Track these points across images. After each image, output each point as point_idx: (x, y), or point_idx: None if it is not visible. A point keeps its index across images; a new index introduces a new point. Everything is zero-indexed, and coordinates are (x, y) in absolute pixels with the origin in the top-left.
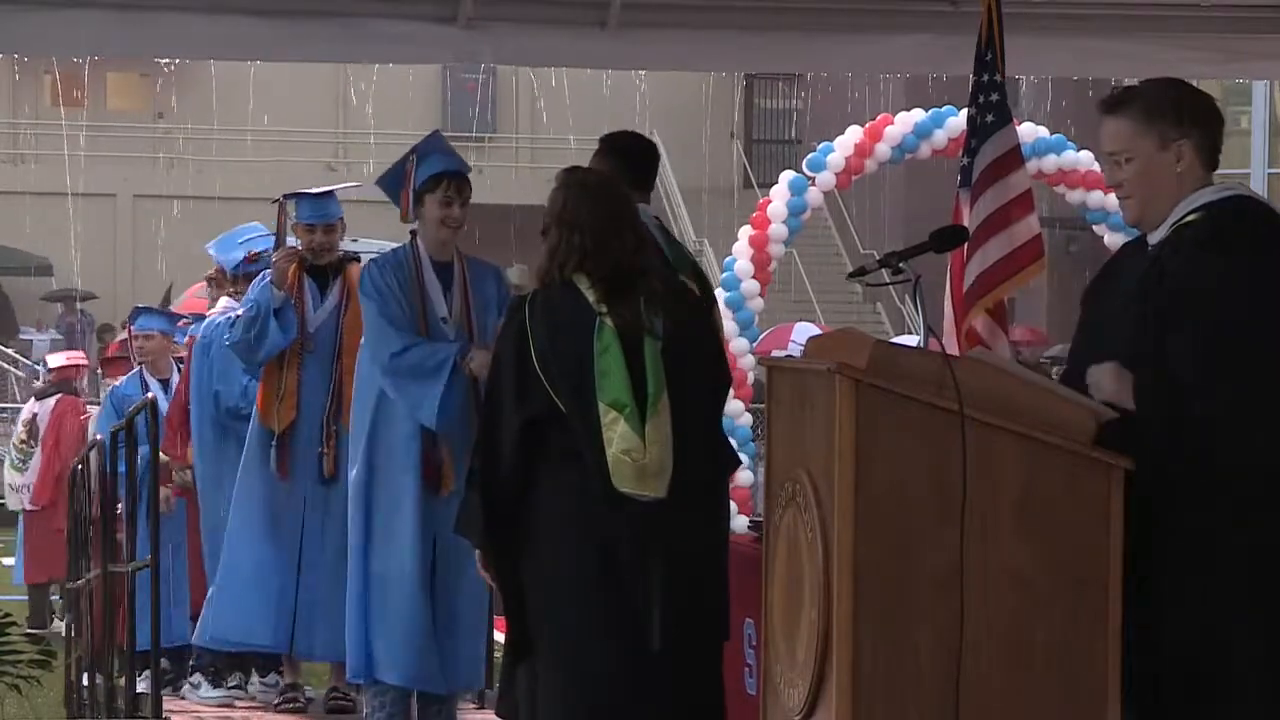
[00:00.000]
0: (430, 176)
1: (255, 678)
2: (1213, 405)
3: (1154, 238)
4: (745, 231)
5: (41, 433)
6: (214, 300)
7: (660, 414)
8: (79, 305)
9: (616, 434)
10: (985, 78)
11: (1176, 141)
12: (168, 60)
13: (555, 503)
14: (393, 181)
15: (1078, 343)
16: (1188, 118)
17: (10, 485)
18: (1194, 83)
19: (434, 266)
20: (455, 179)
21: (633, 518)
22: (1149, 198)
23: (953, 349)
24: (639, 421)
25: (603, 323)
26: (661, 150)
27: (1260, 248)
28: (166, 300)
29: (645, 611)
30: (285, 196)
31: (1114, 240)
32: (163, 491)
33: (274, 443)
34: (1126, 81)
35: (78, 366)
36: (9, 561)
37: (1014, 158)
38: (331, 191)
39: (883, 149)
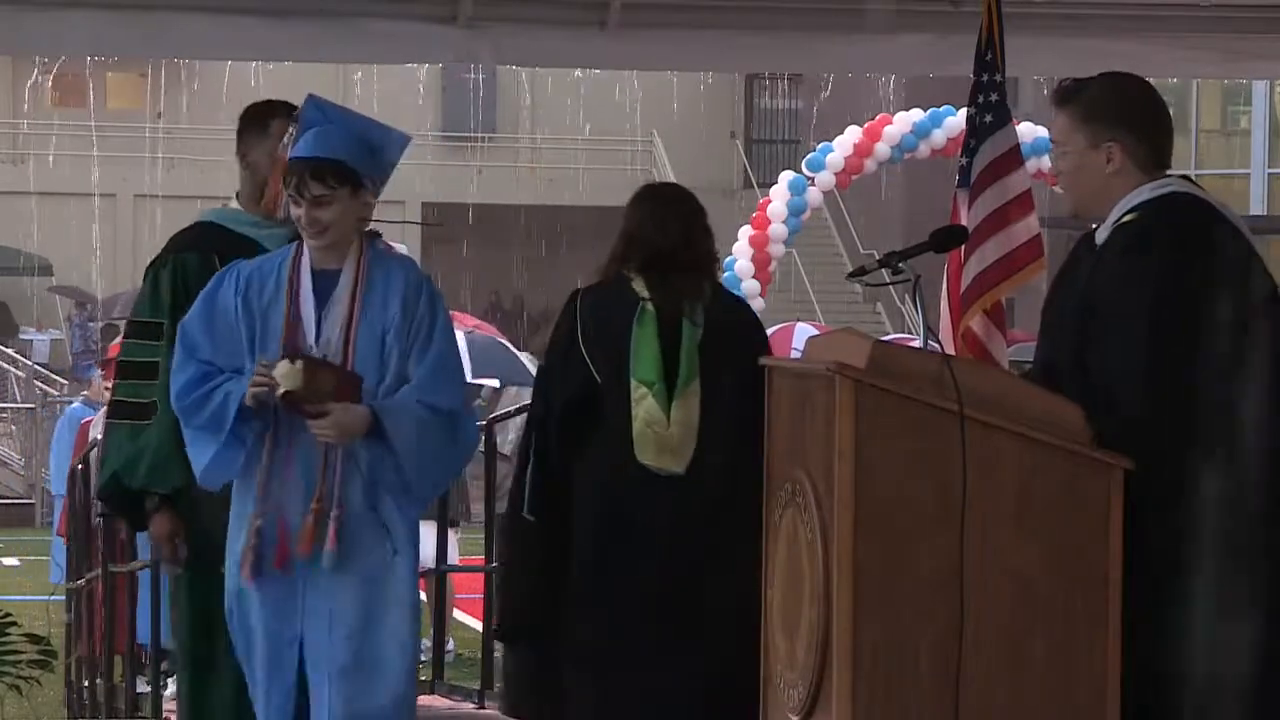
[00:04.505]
0: (290, 161)
1: None
2: (1133, 411)
3: (1100, 235)
4: (745, 231)
5: None
6: None
7: (688, 398)
8: (82, 304)
9: (643, 408)
10: (985, 78)
11: (1106, 143)
12: (167, 60)
13: (587, 476)
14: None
15: (1041, 342)
16: (1121, 120)
17: None
18: (1194, 83)
19: (314, 277)
20: (312, 169)
21: (649, 490)
22: (1080, 195)
23: (949, 350)
24: (665, 399)
25: (644, 307)
26: (661, 150)
27: (1178, 245)
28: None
29: (652, 582)
30: None
31: None
32: None
33: None
34: None
35: None
36: (10, 561)
37: (1013, 158)
38: None
39: (882, 149)
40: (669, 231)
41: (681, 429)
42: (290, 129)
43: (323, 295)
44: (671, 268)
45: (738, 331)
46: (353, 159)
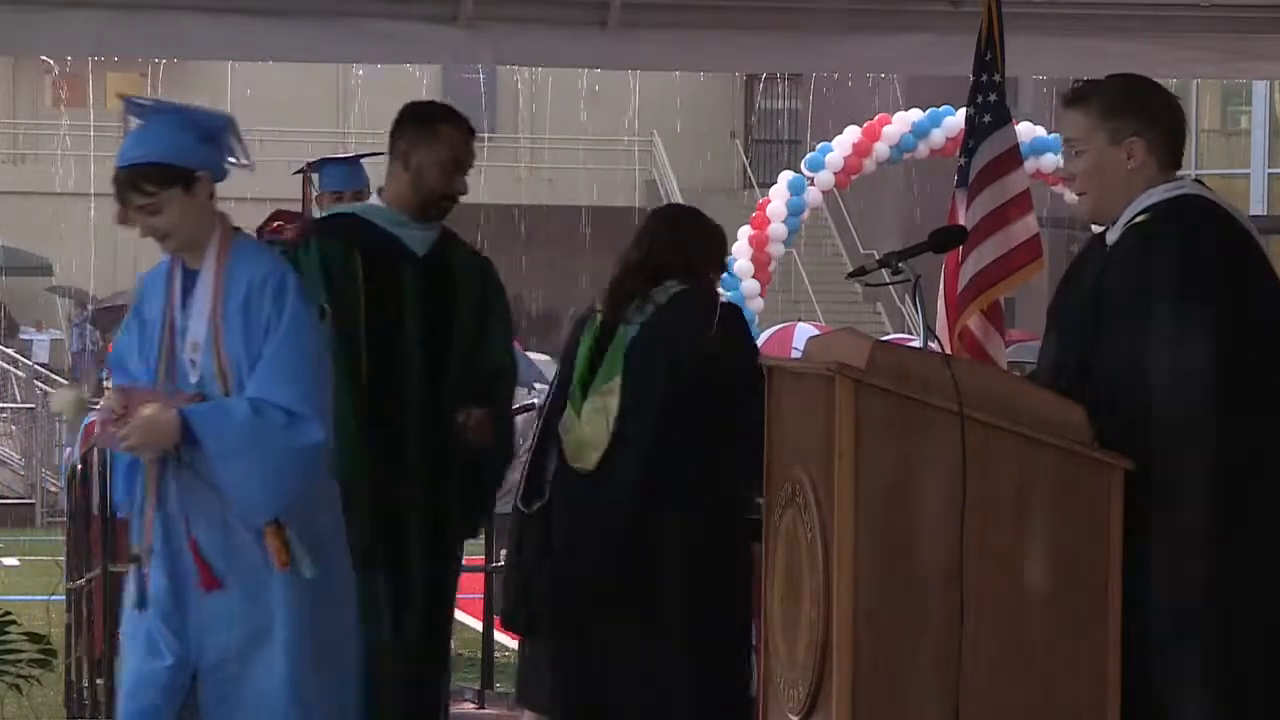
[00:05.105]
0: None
1: None
2: (1135, 411)
3: (1111, 236)
4: (745, 231)
5: None
6: None
7: (605, 395)
8: (82, 304)
9: (567, 412)
10: (984, 77)
11: (1128, 139)
12: (167, 60)
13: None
14: None
15: (1046, 342)
16: (1142, 115)
17: None
18: (1194, 83)
19: (184, 277)
20: (127, 179)
21: (575, 486)
22: (1101, 194)
23: (946, 350)
24: (580, 400)
25: (592, 319)
26: (661, 150)
27: (1190, 246)
28: None
29: (593, 578)
30: (310, 165)
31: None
32: None
33: None
34: None
35: None
36: (9, 562)
37: (1012, 158)
38: (358, 158)
39: (881, 148)
40: (635, 247)
41: (592, 427)
42: (462, 139)
43: (189, 296)
44: (624, 277)
45: (669, 330)
46: (171, 155)
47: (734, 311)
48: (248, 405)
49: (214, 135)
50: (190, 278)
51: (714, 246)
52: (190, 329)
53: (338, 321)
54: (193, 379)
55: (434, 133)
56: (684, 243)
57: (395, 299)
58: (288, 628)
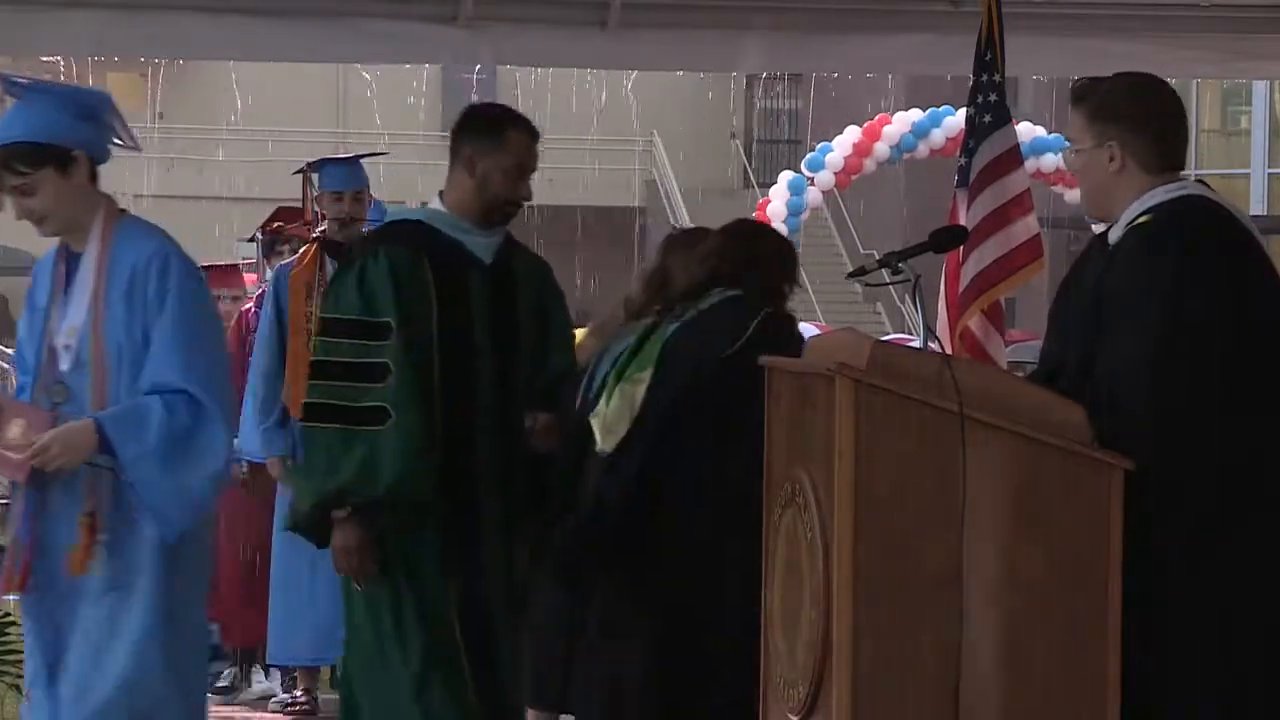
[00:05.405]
0: None
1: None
2: (1136, 411)
3: (1113, 235)
4: None
5: None
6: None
7: (634, 384)
8: None
9: (600, 399)
10: (984, 78)
11: (1109, 142)
12: (167, 60)
13: None
14: None
15: (1048, 342)
16: (1124, 119)
17: None
18: (1194, 83)
19: (68, 261)
20: (1, 154)
21: (596, 469)
22: (1091, 195)
23: (947, 350)
24: (613, 387)
25: (655, 323)
26: (661, 150)
27: (1191, 247)
28: None
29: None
30: (310, 165)
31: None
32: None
33: None
34: None
35: None
36: None
37: (1012, 158)
38: (358, 158)
39: (881, 148)
40: (700, 261)
41: (615, 411)
42: (528, 144)
43: (72, 279)
44: (674, 289)
45: (701, 334)
46: (45, 133)
47: (779, 320)
48: (160, 407)
49: (93, 114)
50: (74, 261)
51: (774, 262)
52: (70, 314)
53: (409, 331)
54: (63, 365)
55: (502, 139)
56: (740, 259)
57: (464, 307)
58: (150, 582)
